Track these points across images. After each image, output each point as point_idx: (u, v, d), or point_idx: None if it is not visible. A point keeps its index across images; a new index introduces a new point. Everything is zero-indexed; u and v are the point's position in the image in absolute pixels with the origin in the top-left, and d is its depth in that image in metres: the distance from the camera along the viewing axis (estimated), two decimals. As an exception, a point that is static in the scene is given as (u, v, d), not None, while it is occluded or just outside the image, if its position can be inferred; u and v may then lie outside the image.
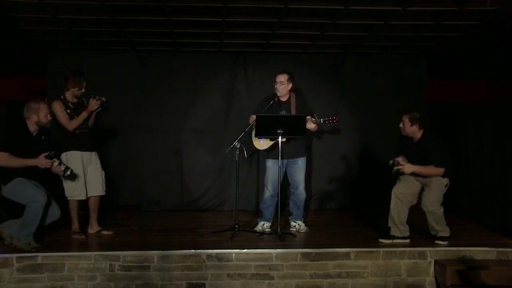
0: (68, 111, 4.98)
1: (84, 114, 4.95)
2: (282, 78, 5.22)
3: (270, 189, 5.29)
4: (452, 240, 4.84)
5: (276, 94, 5.21)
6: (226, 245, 4.64)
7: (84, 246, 4.68)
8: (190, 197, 6.97)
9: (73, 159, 4.92)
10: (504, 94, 6.65)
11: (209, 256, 4.39)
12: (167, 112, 6.94)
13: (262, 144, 5.29)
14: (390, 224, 4.90)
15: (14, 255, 4.24)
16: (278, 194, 5.15)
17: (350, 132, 7.09)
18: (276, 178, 5.24)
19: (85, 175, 5.00)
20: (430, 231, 4.90)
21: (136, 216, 6.28)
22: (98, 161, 5.14)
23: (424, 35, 6.22)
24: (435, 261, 4.48)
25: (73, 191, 4.94)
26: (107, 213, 5.89)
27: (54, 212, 4.59)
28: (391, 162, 4.84)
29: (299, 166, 5.31)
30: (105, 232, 5.18)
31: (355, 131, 7.13)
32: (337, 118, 5.31)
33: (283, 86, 5.21)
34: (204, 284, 4.36)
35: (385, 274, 4.46)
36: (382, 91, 7.12)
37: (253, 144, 5.35)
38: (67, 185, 4.93)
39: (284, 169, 5.32)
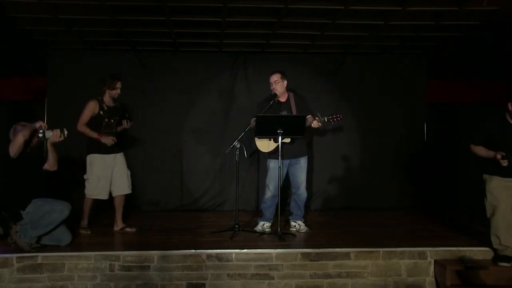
0: (101, 112, 5.17)
1: (93, 134, 5.11)
2: (275, 77, 5.22)
3: (271, 189, 5.29)
4: (452, 240, 4.85)
5: (276, 94, 5.20)
6: (226, 245, 4.64)
7: (84, 246, 4.67)
8: (190, 197, 6.97)
9: (96, 161, 5.19)
10: (504, 94, 6.65)
11: (209, 256, 4.39)
12: (167, 112, 6.94)
13: (266, 146, 5.26)
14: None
15: (14, 255, 4.24)
16: (278, 194, 5.15)
17: (350, 132, 7.09)
18: (278, 179, 5.24)
19: (112, 176, 5.23)
20: None
21: (136, 216, 6.27)
22: (123, 162, 5.35)
23: (424, 35, 6.22)
24: (435, 261, 4.48)
25: (94, 190, 5.17)
26: (108, 214, 5.87)
27: (61, 238, 4.63)
28: (499, 156, 4.10)
29: (302, 165, 5.31)
30: (128, 229, 5.31)
31: (355, 131, 7.13)
32: (341, 116, 5.28)
33: (278, 84, 5.22)
34: (204, 284, 4.36)
35: (385, 274, 4.46)
36: (382, 91, 7.12)
37: (256, 146, 5.33)
38: (89, 184, 5.16)
39: (286, 169, 5.32)
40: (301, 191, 5.34)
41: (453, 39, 6.38)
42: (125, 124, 5.34)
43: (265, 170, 5.46)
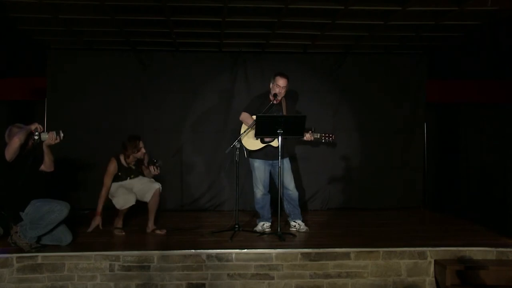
0: (119, 173, 5.26)
1: (98, 208, 5.14)
2: (285, 83, 5.20)
3: (261, 188, 5.31)
4: (452, 240, 4.85)
5: (276, 95, 5.20)
6: (226, 245, 4.64)
7: (84, 246, 4.67)
8: (190, 197, 6.98)
9: (115, 187, 5.26)
10: (504, 94, 6.65)
11: (209, 256, 4.39)
12: (167, 112, 6.95)
13: (254, 144, 5.26)
14: None
15: (14, 255, 4.24)
16: (279, 191, 5.15)
17: (350, 132, 7.10)
18: (265, 177, 5.31)
19: (135, 190, 5.29)
20: None
21: (136, 216, 6.27)
22: (140, 177, 5.41)
23: (424, 35, 6.22)
24: (435, 261, 4.48)
25: (118, 203, 5.21)
26: (107, 214, 5.87)
27: (62, 238, 4.63)
28: None
29: (285, 166, 5.33)
30: (158, 232, 5.27)
31: (355, 131, 7.13)
32: (334, 136, 5.36)
33: (284, 89, 5.23)
34: (204, 284, 4.36)
35: (385, 274, 4.46)
36: (382, 91, 7.13)
37: (243, 143, 5.30)
38: (114, 200, 5.23)
39: (269, 169, 5.36)
40: (292, 190, 5.36)
41: (453, 39, 6.38)
42: (154, 170, 5.26)
43: (252, 170, 5.45)
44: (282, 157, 5.25)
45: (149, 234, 5.25)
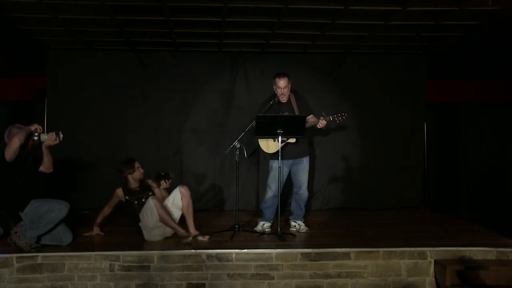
0: (127, 197, 5.08)
1: (98, 219, 5.10)
2: (286, 82, 5.14)
3: (273, 189, 5.28)
4: (452, 240, 4.84)
5: (276, 94, 5.20)
6: (226, 245, 4.64)
7: (84, 246, 4.67)
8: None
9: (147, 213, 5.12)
10: (504, 94, 6.67)
11: (209, 256, 4.39)
12: (167, 112, 6.95)
13: (273, 147, 5.19)
14: None
15: (14, 255, 4.24)
16: (279, 195, 5.15)
17: (350, 132, 7.10)
18: (280, 179, 5.27)
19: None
20: None
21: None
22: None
23: (424, 35, 6.22)
24: (435, 261, 4.48)
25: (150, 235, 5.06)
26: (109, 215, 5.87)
27: (62, 237, 4.62)
28: None
29: (304, 165, 5.32)
30: (200, 238, 4.91)
31: (355, 131, 7.13)
32: (345, 113, 5.27)
33: (286, 89, 5.20)
34: (204, 284, 4.36)
35: (385, 274, 4.46)
36: (382, 91, 7.13)
37: (260, 147, 5.28)
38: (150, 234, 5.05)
39: (289, 169, 5.33)
40: (303, 190, 5.34)
41: (453, 39, 6.38)
42: (165, 184, 5.21)
43: (266, 170, 5.46)
44: (301, 156, 5.28)
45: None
